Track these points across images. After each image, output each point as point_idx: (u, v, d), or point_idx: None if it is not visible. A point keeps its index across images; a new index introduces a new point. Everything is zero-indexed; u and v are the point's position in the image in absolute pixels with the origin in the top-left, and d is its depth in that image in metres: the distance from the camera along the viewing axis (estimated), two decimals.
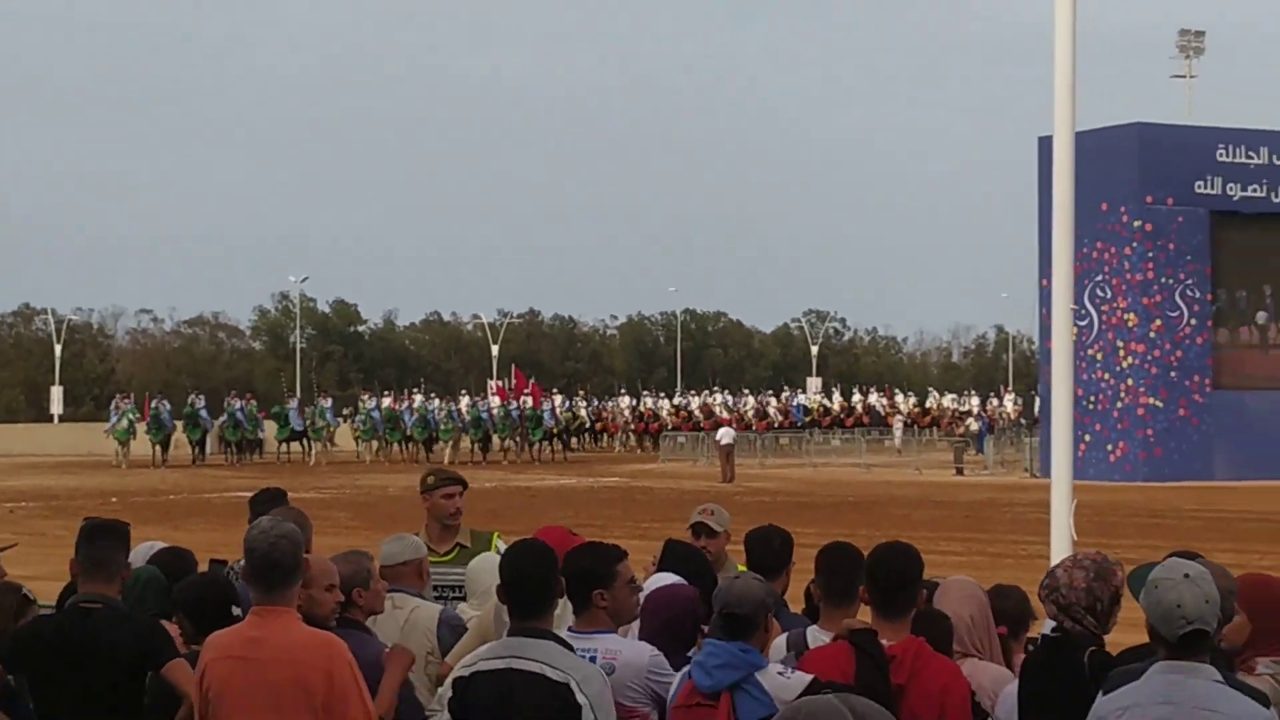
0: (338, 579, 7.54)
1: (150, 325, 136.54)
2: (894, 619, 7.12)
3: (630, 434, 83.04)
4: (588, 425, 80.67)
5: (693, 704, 6.95)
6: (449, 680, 7.07)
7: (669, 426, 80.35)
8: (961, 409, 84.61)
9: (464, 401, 71.76)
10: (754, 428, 78.34)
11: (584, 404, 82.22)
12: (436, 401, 70.79)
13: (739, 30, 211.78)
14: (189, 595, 7.96)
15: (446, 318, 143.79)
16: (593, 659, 7.12)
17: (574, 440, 77.44)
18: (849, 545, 7.87)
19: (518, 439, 69.11)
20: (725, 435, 58.13)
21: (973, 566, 24.88)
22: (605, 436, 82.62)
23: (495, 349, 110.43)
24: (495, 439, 68.81)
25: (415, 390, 75.22)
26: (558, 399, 76.96)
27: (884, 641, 6.98)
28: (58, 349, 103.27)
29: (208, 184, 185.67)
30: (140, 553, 8.94)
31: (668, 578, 8.22)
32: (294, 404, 68.55)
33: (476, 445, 68.34)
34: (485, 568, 8.98)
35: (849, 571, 7.49)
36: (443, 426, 67.63)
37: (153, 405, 65.20)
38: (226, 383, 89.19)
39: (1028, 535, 29.32)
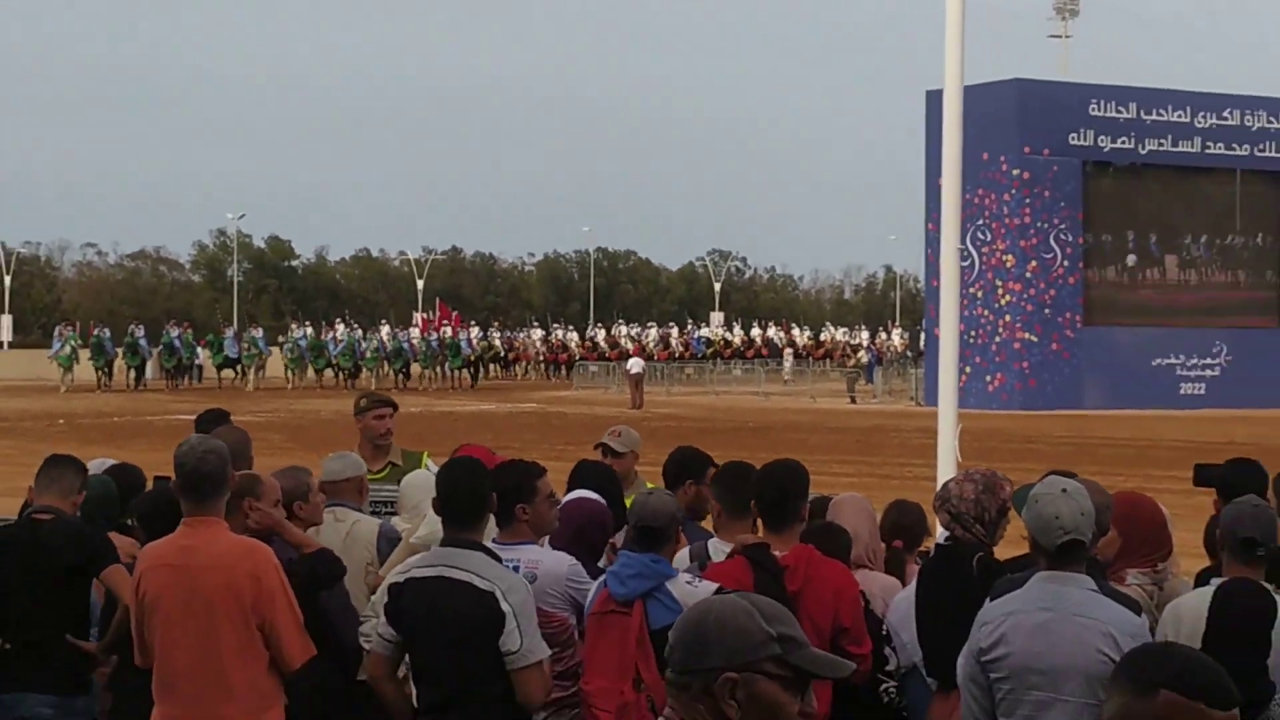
0: (280, 494, 7.56)
1: (95, 258, 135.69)
2: (781, 530, 7.20)
3: (541, 364, 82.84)
4: (501, 355, 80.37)
5: (607, 611, 6.99)
6: (383, 586, 7.10)
7: (577, 357, 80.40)
8: (853, 343, 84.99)
9: (384, 331, 71.18)
10: (656, 358, 78.38)
11: (498, 335, 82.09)
12: (360, 332, 70.19)
13: None
14: (144, 507, 7.95)
15: (375, 254, 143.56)
16: (516, 569, 7.12)
17: (488, 369, 77.11)
18: (743, 464, 7.93)
19: (437, 368, 68.86)
20: (635, 365, 58.10)
21: (863, 487, 24.93)
22: (517, 366, 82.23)
23: (420, 283, 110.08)
24: (415, 367, 68.41)
25: (339, 321, 74.56)
26: (474, 330, 76.74)
27: (776, 553, 7.02)
28: (7, 279, 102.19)
29: (151, 125, 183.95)
30: (94, 467, 8.92)
31: (582, 493, 8.26)
32: (230, 333, 67.74)
33: (398, 373, 67.80)
34: (417, 484, 8.97)
35: (742, 488, 7.56)
36: (368, 356, 67.16)
37: (95, 333, 64.60)
38: (167, 313, 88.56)
39: (914, 459, 29.52)
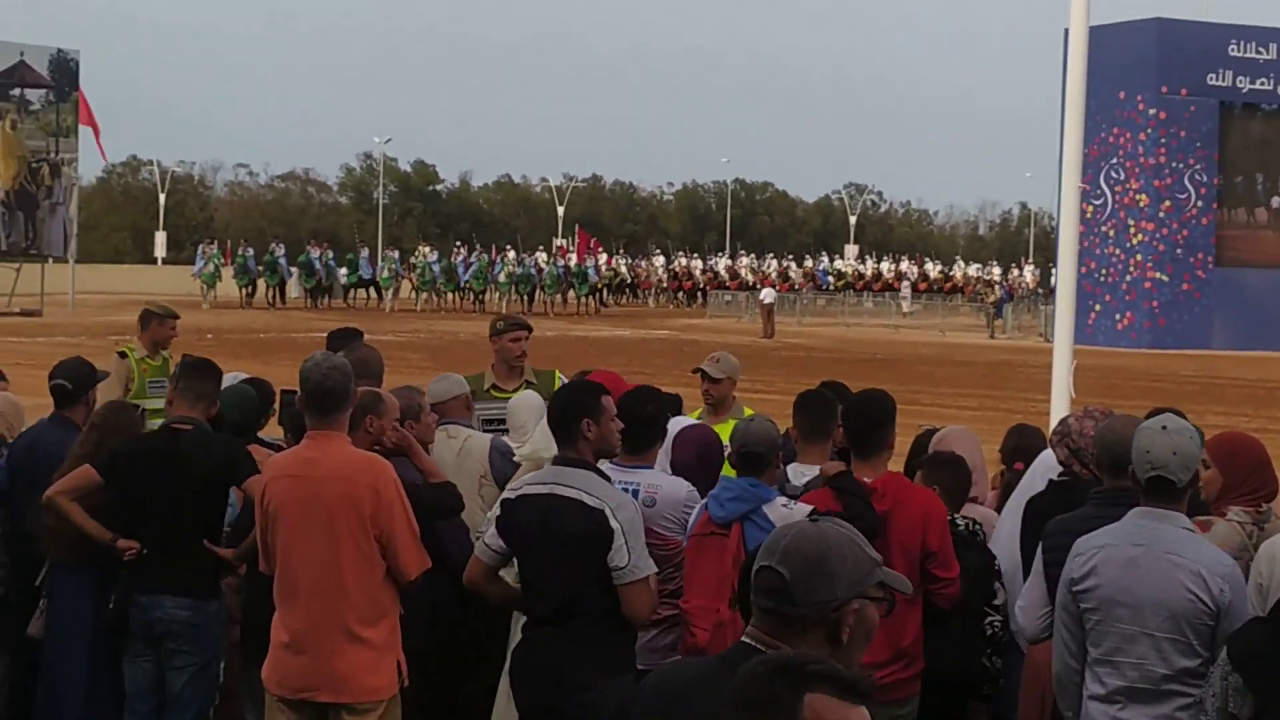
0: (398, 412, 7.71)
1: (246, 179, 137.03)
2: (869, 458, 7.21)
3: (664, 291, 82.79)
4: (628, 282, 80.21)
5: (707, 533, 7.07)
6: (498, 501, 7.25)
7: (700, 285, 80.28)
8: (986, 278, 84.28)
9: (510, 256, 71.11)
10: (777, 289, 78.29)
11: (624, 262, 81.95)
12: (487, 257, 70.09)
13: None
14: (298, 422, 8.17)
15: (517, 180, 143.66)
16: (635, 491, 7.27)
17: (613, 296, 76.88)
18: (821, 391, 8.00)
19: (563, 294, 69.01)
20: (767, 295, 58.05)
21: (985, 420, 24.92)
22: (640, 292, 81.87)
23: (560, 210, 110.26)
24: (540, 293, 68.21)
25: (459, 245, 74.57)
26: (602, 256, 76.81)
27: (864, 479, 7.07)
28: (162, 198, 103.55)
29: (302, 50, 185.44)
30: (228, 379, 9.13)
31: (685, 419, 8.38)
32: (365, 253, 68.03)
33: (525, 298, 67.58)
34: (524, 403, 9.11)
35: (819, 416, 7.64)
36: (501, 279, 67.19)
37: (239, 252, 65.25)
38: (314, 233, 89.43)
39: (1037, 394, 29.25)
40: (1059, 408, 10.89)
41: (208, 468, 7.77)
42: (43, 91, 55.07)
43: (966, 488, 7.76)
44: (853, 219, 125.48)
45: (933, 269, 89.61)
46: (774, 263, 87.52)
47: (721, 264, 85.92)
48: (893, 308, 70.13)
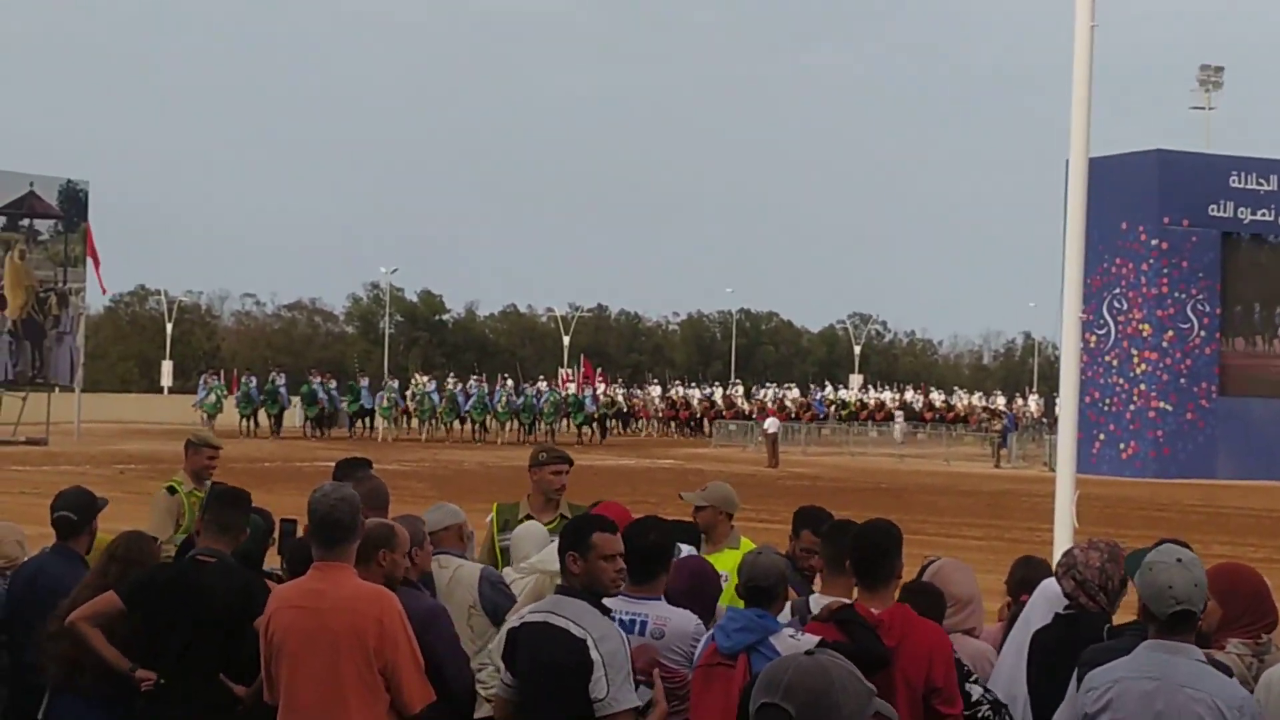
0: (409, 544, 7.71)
1: (253, 308, 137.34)
2: (876, 589, 7.19)
3: (661, 420, 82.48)
4: (625, 411, 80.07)
5: (714, 663, 7.04)
6: (503, 630, 7.25)
7: (697, 415, 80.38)
8: (990, 407, 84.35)
9: (509, 385, 71.05)
10: (769, 416, 78.44)
11: (620, 391, 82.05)
12: (484, 386, 69.93)
13: (799, 52, 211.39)
14: (295, 551, 8.15)
15: (523, 309, 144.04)
16: (643, 624, 7.29)
17: (615, 425, 76.84)
18: (847, 522, 7.99)
19: (562, 422, 68.89)
20: (771, 425, 58.14)
21: (991, 550, 24.86)
22: (638, 422, 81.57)
23: (566, 339, 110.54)
24: (539, 422, 68.07)
25: (447, 375, 74.78)
26: (600, 386, 76.90)
27: (872, 610, 7.04)
28: (169, 327, 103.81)
29: (310, 181, 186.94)
30: None
31: (687, 549, 8.38)
32: (366, 382, 67.82)
33: (526, 427, 67.72)
34: (527, 535, 9.17)
35: (844, 545, 7.62)
36: (500, 409, 67.13)
37: (242, 381, 65.22)
38: (317, 362, 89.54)
39: (1043, 524, 29.21)
40: (1062, 538, 10.90)
41: (227, 601, 7.72)
42: (51, 222, 55.46)
43: (939, 619, 7.71)
44: (857, 349, 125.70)
45: (937, 398, 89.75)
46: (769, 392, 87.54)
47: (718, 393, 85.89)
48: (898, 438, 70.25)
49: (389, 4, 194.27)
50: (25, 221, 54.76)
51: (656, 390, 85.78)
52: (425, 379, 71.50)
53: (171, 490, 11.83)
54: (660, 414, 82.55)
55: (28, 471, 38.35)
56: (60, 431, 54.48)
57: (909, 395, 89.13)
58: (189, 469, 11.91)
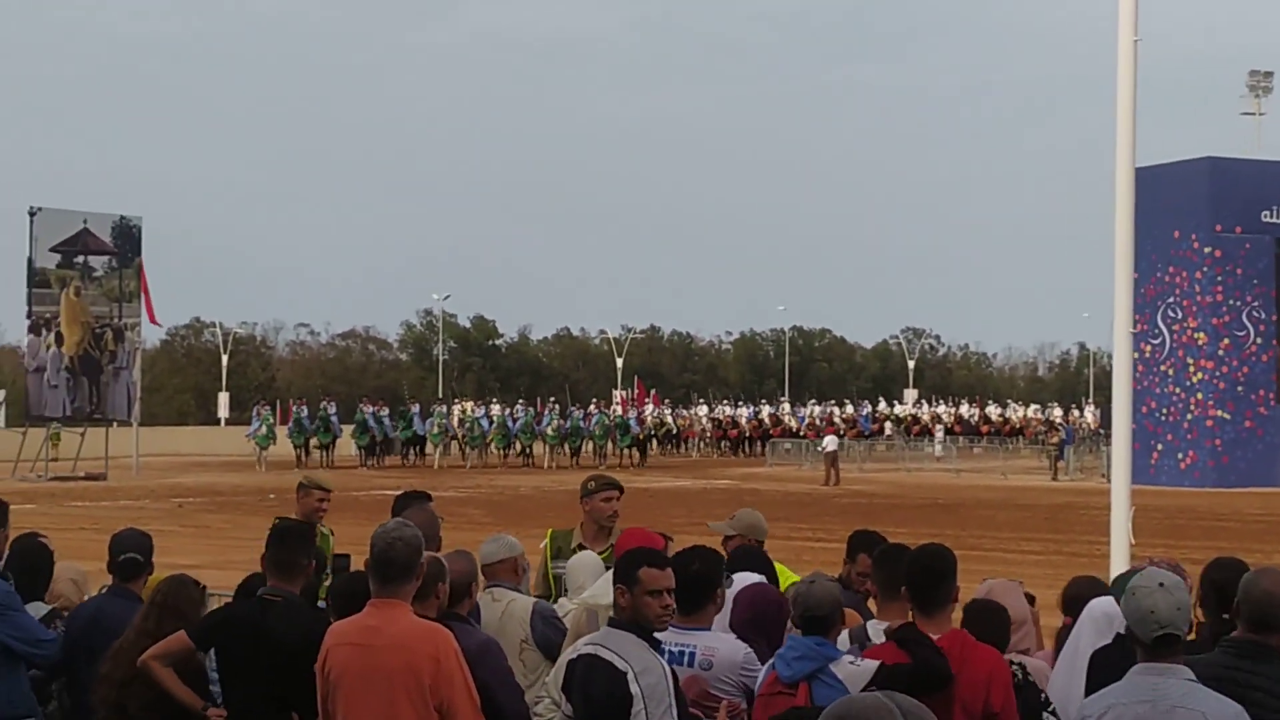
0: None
1: (308, 338, 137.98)
2: (933, 613, 7.15)
3: (709, 440, 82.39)
4: (674, 432, 79.99)
5: (775, 693, 7.06)
6: (561, 660, 7.30)
7: (745, 434, 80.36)
8: (1048, 419, 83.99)
9: (555, 408, 70.83)
10: (806, 435, 78.62)
11: (669, 412, 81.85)
12: (530, 410, 69.68)
13: (843, 69, 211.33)
14: (340, 587, 8.19)
15: (575, 332, 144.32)
16: (691, 655, 7.31)
17: (661, 445, 76.64)
18: (899, 547, 7.97)
19: (614, 444, 69.01)
20: (830, 443, 57.97)
21: (1050, 565, 24.76)
22: (685, 442, 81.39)
23: (619, 361, 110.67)
24: (588, 444, 68.11)
25: (520, 401, 74.95)
26: (648, 408, 76.77)
27: (930, 635, 7.01)
28: (224, 359, 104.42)
29: (362, 210, 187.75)
30: None
31: (750, 577, 8.37)
32: (416, 409, 67.49)
33: (573, 452, 67.52)
34: (581, 565, 9.19)
35: (898, 570, 7.60)
36: (549, 433, 66.96)
37: (294, 411, 65.27)
38: (375, 390, 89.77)
39: (1101, 537, 29.05)
40: (1119, 551, 10.87)
41: (292, 641, 7.70)
42: (106, 258, 55.89)
43: (1005, 637, 7.70)
44: (911, 363, 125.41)
45: (993, 411, 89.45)
46: (813, 409, 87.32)
47: (765, 411, 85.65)
48: (952, 451, 69.97)
49: (436, 34, 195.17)
50: (80, 259, 55.24)
51: (703, 410, 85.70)
52: (471, 405, 71.51)
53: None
54: (708, 434, 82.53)
55: (87, 507, 38.62)
56: (119, 466, 54.87)
57: (964, 409, 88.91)
58: (301, 512, 11.45)
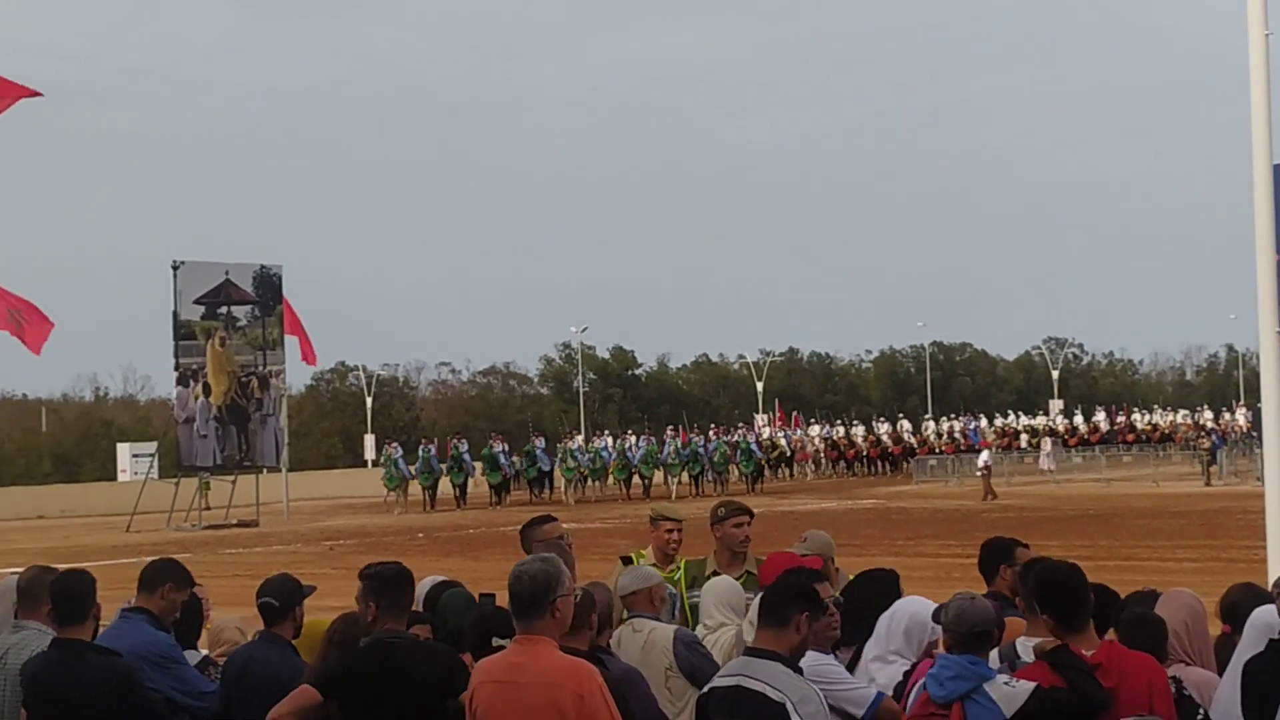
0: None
1: (449, 376, 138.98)
2: (1076, 628, 7.03)
3: (821, 461, 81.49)
4: (788, 455, 78.82)
5: (927, 714, 7.00)
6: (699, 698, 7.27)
7: (863, 454, 79.86)
8: (1198, 424, 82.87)
9: (676, 436, 70.11)
10: (942, 450, 78.03)
11: (782, 435, 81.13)
12: (653, 441, 68.41)
13: (970, 79, 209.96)
14: (476, 625, 8.20)
15: (715, 358, 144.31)
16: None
17: (777, 470, 75.96)
18: (1035, 561, 7.84)
19: (736, 471, 68.68)
20: (983, 457, 57.53)
21: (1207, 572, 24.35)
22: (797, 465, 79.89)
23: (760, 385, 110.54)
24: (709, 470, 67.19)
25: (635, 430, 74.80)
26: (764, 431, 76.27)
27: (1083, 652, 6.88)
28: (369, 401, 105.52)
29: (496, 247, 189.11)
30: (421, 586, 9.24)
31: (916, 599, 8.30)
32: (541, 443, 66.37)
33: (695, 478, 66.60)
34: (710, 592, 9.25)
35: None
36: (670, 461, 66.25)
37: (419, 451, 63.38)
38: (519, 425, 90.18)
39: (1259, 541, 28.60)
40: (1276, 555, 10.65)
41: (429, 678, 7.69)
42: (248, 307, 56.65)
43: (1162, 650, 7.53)
44: (1055, 374, 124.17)
45: (1140, 419, 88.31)
46: (932, 424, 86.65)
47: (883, 430, 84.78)
48: (1101, 461, 69.13)
49: (560, 73, 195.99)
50: (223, 309, 56.03)
51: (815, 430, 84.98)
52: (595, 437, 71.36)
53: (627, 560, 10.93)
54: (822, 455, 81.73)
55: (240, 554, 39.11)
56: (270, 512, 55.52)
57: (1097, 418, 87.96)
58: (655, 546, 11.08)
